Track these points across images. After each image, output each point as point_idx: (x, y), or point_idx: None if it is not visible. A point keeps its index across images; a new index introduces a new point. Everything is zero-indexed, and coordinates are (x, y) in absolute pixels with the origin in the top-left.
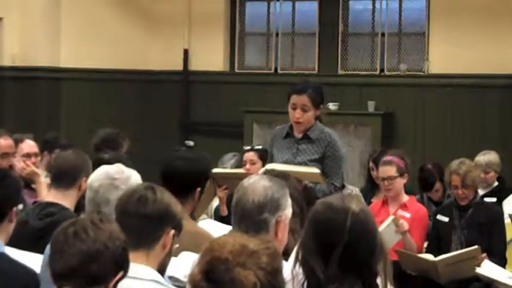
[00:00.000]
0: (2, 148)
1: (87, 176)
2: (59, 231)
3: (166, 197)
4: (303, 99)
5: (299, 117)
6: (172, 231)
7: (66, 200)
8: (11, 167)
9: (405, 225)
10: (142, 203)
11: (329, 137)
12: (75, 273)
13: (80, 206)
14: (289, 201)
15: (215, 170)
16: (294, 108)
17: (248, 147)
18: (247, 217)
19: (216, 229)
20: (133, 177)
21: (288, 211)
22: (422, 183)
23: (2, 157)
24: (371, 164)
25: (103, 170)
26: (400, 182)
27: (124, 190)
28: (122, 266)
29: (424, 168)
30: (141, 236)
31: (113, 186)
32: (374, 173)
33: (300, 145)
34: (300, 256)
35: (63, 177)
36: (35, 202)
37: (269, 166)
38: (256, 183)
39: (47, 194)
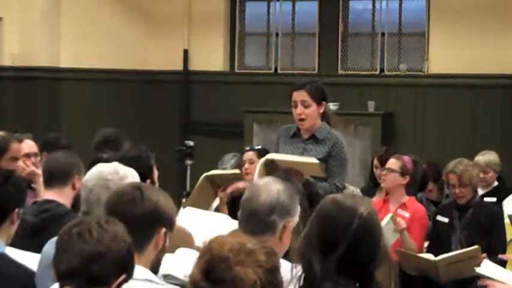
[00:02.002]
0: (13, 152)
1: (80, 175)
2: (64, 231)
3: (154, 195)
4: (301, 94)
5: (301, 113)
6: (164, 230)
7: (62, 198)
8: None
9: (402, 224)
10: (131, 204)
11: (335, 137)
12: (77, 274)
13: (77, 206)
14: (298, 209)
15: (211, 172)
16: (295, 106)
17: (248, 148)
18: (256, 216)
19: (194, 215)
20: (130, 177)
21: (295, 219)
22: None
23: (11, 160)
24: (375, 162)
25: (98, 169)
26: (397, 179)
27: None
28: (125, 269)
29: None
30: (131, 238)
31: (105, 187)
32: (377, 171)
33: (307, 145)
34: (301, 248)
35: (55, 177)
36: (34, 202)
37: (269, 156)
38: (270, 185)
39: (43, 194)
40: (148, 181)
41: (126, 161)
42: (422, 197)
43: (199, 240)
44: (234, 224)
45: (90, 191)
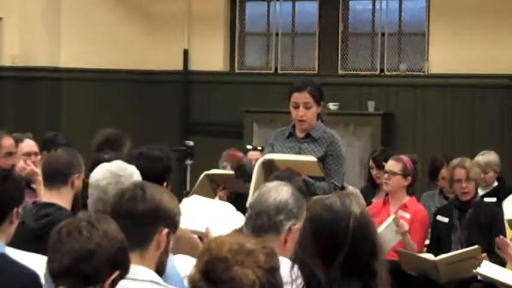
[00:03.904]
0: (6, 148)
1: (80, 173)
2: (55, 231)
3: (157, 194)
4: (304, 96)
5: (303, 115)
6: (166, 230)
7: (61, 199)
8: (12, 166)
9: (405, 226)
10: (132, 203)
11: (331, 136)
12: (69, 273)
13: (77, 205)
14: (304, 214)
15: (211, 171)
16: (296, 107)
17: (251, 147)
18: (264, 213)
19: (201, 204)
20: (135, 174)
21: (301, 223)
22: None
23: (6, 157)
24: (371, 163)
25: (106, 168)
26: (400, 181)
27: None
28: (117, 266)
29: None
30: (132, 237)
31: (120, 183)
32: (374, 172)
33: (303, 144)
34: (299, 258)
35: (54, 177)
36: (34, 202)
37: (266, 156)
38: (281, 187)
39: (43, 194)
40: (165, 184)
41: (145, 160)
42: (434, 194)
43: (203, 226)
44: (238, 215)
45: (104, 191)
